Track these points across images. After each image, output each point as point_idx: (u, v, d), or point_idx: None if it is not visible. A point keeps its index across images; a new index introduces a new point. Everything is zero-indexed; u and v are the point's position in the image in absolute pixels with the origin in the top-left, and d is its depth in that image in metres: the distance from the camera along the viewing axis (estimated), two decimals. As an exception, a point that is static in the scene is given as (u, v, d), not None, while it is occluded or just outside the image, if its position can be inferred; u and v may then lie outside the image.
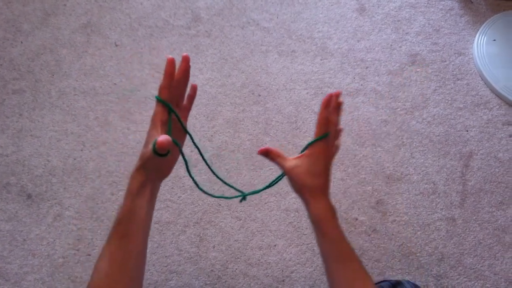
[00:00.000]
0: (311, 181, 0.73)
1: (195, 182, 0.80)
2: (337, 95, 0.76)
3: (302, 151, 0.77)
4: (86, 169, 1.44)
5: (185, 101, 0.80)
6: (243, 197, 0.84)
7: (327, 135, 0.76)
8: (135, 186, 0.69)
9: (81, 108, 1.54)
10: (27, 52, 1.64)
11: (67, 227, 1.36)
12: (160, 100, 0.71)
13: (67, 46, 1.66)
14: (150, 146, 0.67)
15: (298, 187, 0.74)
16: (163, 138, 0.64)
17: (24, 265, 1.31)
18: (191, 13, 1.76)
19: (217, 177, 0.87)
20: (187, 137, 0.80)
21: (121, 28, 1.71)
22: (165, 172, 0.75)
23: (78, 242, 1.34)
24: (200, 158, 0.84)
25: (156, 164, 0.69)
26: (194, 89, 0.82)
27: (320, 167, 0.75)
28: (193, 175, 0.79)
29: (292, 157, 0.76)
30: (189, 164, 0.78)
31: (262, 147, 0.72)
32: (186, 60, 0.74)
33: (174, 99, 0.74)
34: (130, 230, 0.68)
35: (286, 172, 0.75)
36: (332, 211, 0.74)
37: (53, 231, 1.35)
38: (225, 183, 0.88)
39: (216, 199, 1.40)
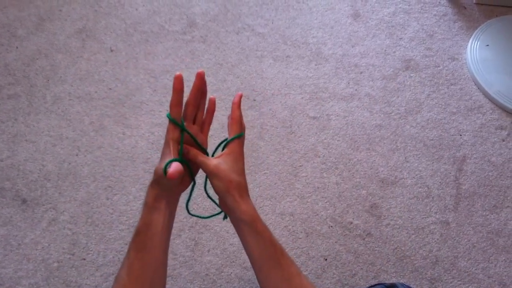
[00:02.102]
0: (237, 178, 0.72)
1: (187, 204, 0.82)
2: (241, 96, 0.77)
3: (222, 149, 0.76)
4: (81, 173, 1.44)
5: (204, 116, 0.79)
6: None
7: (243, 134, 0.76)
8: (151, 199, 0.70)
9: (76, 113, 1.55)
10: (22, 57, 1.65)
11: (62, 232, 1.36)
12: (170, 119, 0.71)
13: (63, 51, 1.67)
14: (162, 167, 0.67)
15: (226, 186, 0.71)
16: (174, 169, 0.63)
17: (18, 269, 1.30)
18: (186, 19, 1.77)
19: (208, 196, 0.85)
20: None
21: (117, 34, 1.72)
22: (181, 187, 0.75)
23: (73, 247, 1.34)
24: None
25: (169, 182, 0.69)
26: (213, 102, 0.80)
27: (241, 166, 0.74)
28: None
29: (213, 157, 0.75)
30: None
31: (174, 172, 0.66)
32: (199, 77, 0.73)
33: (189, 116, 0.74)
34: (147, 243, 0.69)
35: (211, 171, 0.71)
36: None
37: (48, 236, 1.35)
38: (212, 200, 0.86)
39: (211, 203, 1.40)
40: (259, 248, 0.71)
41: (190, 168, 0.75)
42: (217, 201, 0.78)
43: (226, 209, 0.74)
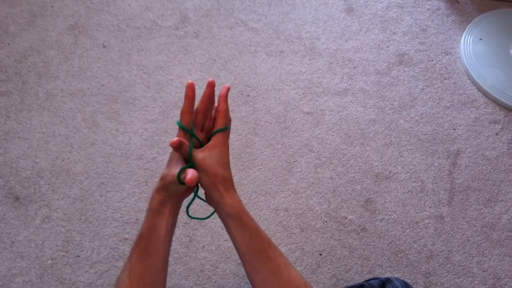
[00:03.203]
0: (222, 172, 0.72)
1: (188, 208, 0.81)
2: (229, 89, 0.77)
3: (207, 140, 0.77)
4: (74, 170, 1.44)
5: (212, 123, 0.79)
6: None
7: (228, 127, 0.76)
8: (156, 205, 0.70)
9: (69, 110, 1.54)
10: (14, 54, 1.63)
11: (56, 229, 1.35)
12: (180, 126, 0.72)
13: (55, 47, 1.66)
14: (175, 173, 0.67)
15: (211, 180, 0.71)
16: (192, 175, 0.63)
17: (12, 267, 1.30)
18: (179, 14, 1.76)
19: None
20: None
21: (109, 30, 1.71)
22: (186, 193, 0.76)
23: (67, 244, 1.33)
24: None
25: (178, 188, 0.69)
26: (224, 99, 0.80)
27: (226, 159, 0.74)
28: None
29: (198, 149, 0.73)
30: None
31: (175, 139, 0.67)
32: (210, 86, 0.74)
33: (199, 124, 0.76)
34: (150, 247, 0.70)
35: (198, 164, 0.71)
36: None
37: (42, 233, 1.34)
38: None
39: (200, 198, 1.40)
40: (245, 241, 0.71)
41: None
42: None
43: (212, 203, 0.74)
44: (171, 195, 0.70)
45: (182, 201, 0.77)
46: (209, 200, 0.75)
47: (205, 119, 0.77)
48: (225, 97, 0.75)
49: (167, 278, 1.29)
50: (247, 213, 0.72)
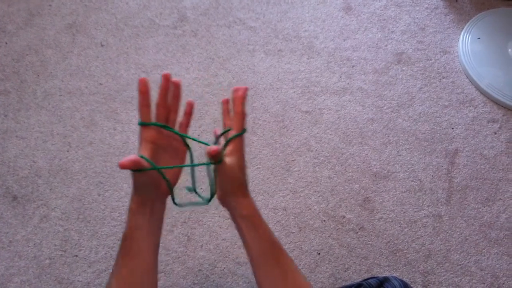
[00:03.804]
0: (241, 176, 0.73)
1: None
2: (247, 90, 0.77)
3: (225, 145, 0.75)
4: (72, 170, 1.43)
5: (182, 118, 0.79)
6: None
7: (246, 130, 0.75)
8: (134, 205, 0.69)
9: (67, 109, 1.53)
10: (11, 52, 1.63)
11: (54, 228, 1.35)
12: (140, 123, 0.70)
13: (52, 46, 1.65)
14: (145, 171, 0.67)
15: (231, 184, 0.72)
16: (126, 158, 0.62)
17: (10, 267, 1.30)
18: (177, 13, 1.76)
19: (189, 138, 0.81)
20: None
21: (107, 28, 1.71)
22: (162, 189, 0.74)
23: (65, 243, 1.33)
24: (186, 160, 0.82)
25: (142, 182, 0.68)
26: (190, 105, 0.80)
27: (243, 163, 0.74)
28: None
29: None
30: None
31: (213, 148, 0.66)
32: (164, 79, 0.73)
33: (160, 117, 0.74)
34: (134, 248, 0.69)
35: (225, 169, 0.71)
36: None
37: (40, 233, 1.34)
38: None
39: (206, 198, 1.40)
40: (257, 244, 0.72)
41: (164, 176, 0.72)
42: (202, 194, 0.78)
43: (227, 205, 0.74)
44: (145, 194, 0.70)
45: (163, 200, 0.76)
46: (224, 203, 0.75)
47: (168, 112, 0.75)
48: (242, 99, 0.74)
49: (166, 277, 1.29)
50: (261, 217, 0.73)
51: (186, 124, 0.79)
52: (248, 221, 0.72)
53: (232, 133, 0.75)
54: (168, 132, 0.73)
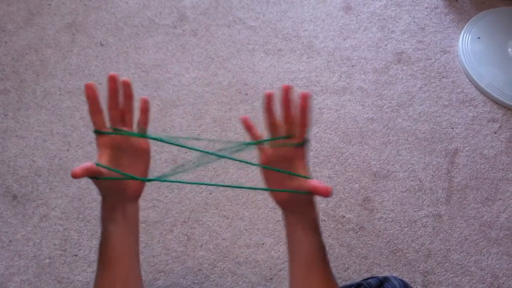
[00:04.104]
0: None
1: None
2: (310, 97, 0.71)
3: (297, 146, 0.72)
4: (72, 169, 1.43)
5: (139, 117, 0.75)
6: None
7: (308, 140, 0.72)
8: (103, 212, 0.69)
9: (67, 108, 1.53)
10: (11, 52, 1.63)
11: (53, 228, 1.35)
12: (96, 132, 0.68)
13: (52, 45, 1.65)
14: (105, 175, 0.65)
15: (309, 196, 0.70)
16: (78, 166, 0.61)
17: (10, 266, 1.30)
18: (176, 12, 1.76)
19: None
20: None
21: (107, 28, 1.70)
22: (129, 192, 0.72)
23: (65, 243, 1.33)
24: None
25: (106, 188, 0.67)
26: (144, 101, 0.75)
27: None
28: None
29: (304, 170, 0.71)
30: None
31: (327, 186, 0.62)
32: (110, 79, 0.69)
33: (114, 119, 0.71)
34: (111, 256, 0.68)
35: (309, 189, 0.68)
36: None
37: (39, 232, 1.34)
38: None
39: (203, 198, 1.40)
40: (312, 247, 0.72)
41: (130, 176, 0.70)
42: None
43: (292, 207, 0.73)
44: (110, 197, 0.69)
45: (133, 202, 0.74)
46: (289, 203, 0.73)
47: (123, 113, 0.72)
48: (306, 109, 0.69)
49: (165, 277, 1.29)
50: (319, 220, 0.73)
51: (144, 121, 0.75)
52: (315, 224, 0.72)
53: (284, 140, 0.73)
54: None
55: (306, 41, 1.72)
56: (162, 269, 1.30)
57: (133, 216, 0.74)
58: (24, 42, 1.65)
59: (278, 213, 1.39)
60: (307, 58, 1.68)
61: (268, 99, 0.73)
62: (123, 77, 1.53)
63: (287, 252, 0.76)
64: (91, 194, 1.40)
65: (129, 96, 0.72)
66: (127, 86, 0.72)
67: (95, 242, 1.33)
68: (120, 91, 0.71)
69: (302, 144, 0.70)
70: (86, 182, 1.41)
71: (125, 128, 0.72)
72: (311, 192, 0.65)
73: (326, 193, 0.61)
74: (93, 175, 0.62)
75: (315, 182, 0.64)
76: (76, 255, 1.31)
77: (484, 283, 1.34)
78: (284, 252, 1.34)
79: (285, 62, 1.67)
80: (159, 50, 1.67)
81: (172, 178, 0.71)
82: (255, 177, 1.45)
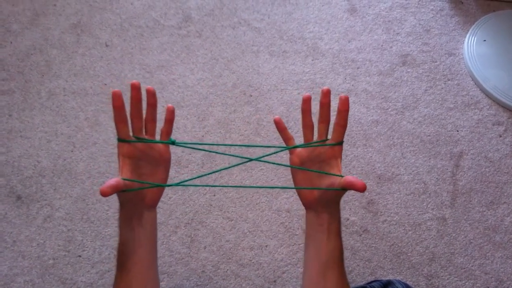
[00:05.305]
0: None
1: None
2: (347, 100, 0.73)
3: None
4: (76, 170, 1.43)
5: (163, 126, 0.75)
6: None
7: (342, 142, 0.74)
8: (121, 220, 0.69)
9: (71, 109, 1.53)
10: (16, 52, 1.63)
11: (57, 229, 1.35)
12: (119, 140, 0.68)
13: (57, 46, 1.65)
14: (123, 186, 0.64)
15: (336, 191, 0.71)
16: (105, 184, 0.59)
17: (14, 266, 1.30)
18: (181, 13, 1.76)
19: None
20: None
21: (112, 28, 1.71)
22: (147, 201, 0.72)
23: (69, 244, 1.33)
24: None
25: (126, 198, 0.67)
26: (170, 111, 0.75)
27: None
28: None
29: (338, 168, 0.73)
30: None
31: (363, 182, 0.63)
32: (133, 88, 0.68)
33: (137, 129, 0.70)
34: (128, 262, 0.69)
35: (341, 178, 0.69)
36: None
37: (43, 233, 1.34)
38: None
39: (207, 200, 1.40)
40: (333, 248, 0.72)
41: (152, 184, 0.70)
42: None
43: (320, 206, 0.73)
44: (128, 206, 0.69)
45: (150, 209, 0.74)
46: (318, 203, 0.74)
47: (146, 123, 0.72)
48: (344, 111, 0.71)
49: (169, 279, 1.30)
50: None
51: (167, 132, 0.75)
52: (339, 226, 0.73)
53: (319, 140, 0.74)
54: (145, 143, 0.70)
55: (311, 43, 1.72)
56: (165, 270, 1.30)
57: (150, 224, 0.74)
58: (29, 42, 1.65)
59: (282, 216, 1.39)
60: (312, 60, 1.68)
61: (306, 102, 0.75)
62: (128, 78, 1.54)
63: (305, 252, 0.77)
64: (95, 195, 1.40)
65: (152, 105, 0.72)
66: (151, 95, 0.71)
67: (99, 243, 1.33)
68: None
69: (340, 143, 0.73)
70: (90, 183, 1.41)
71: (147, 137, 0.72)
72: (346, 188, 0.66)
73: (362, 188, 0.62)
74: (120, 190, 0.62)
75: (351, 178, 0.64)
76: (80, 256, 1.31)
77: (488, 287, 1.33)
78: (288, 254, 1.34)
79: (290, 63, 1.67)
80: (163, 51, 1.67)
81: (196, 182, 0.72)
82: (259, 178, 1.45)
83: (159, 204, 1.36)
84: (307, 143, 0.75)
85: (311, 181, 0.74)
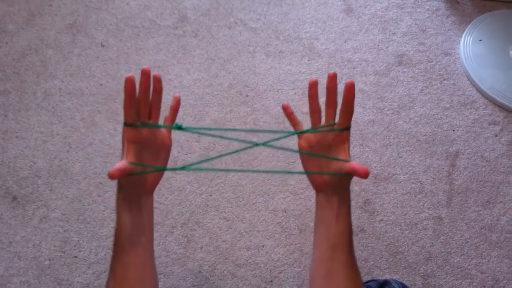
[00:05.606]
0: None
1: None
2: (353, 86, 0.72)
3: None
4: (72, 170, 1.43)
5: (167, 113, 0.78)
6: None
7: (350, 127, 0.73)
8: (119, 202, 0.69)
9: (67, 109, 1.53)
10: (12, 52, 1.63)
11: (53, 229, 1.35)
12: (125, 124, 0.68)
13: (53, 46, 1.65)
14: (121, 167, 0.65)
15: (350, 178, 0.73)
16: (114, 168, 0.60)
17: (9, 267, 1.29)
18: (177, 13, 1.75)
19: None
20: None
21: (107, 29, 1.70)
22: (148, 186, 0.73)
23: (65, 244, 1.33)
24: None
25: (128, 182, 0.68)
26: (177, 100, 0.78)
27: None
28: None
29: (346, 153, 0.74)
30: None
31: (366, 168, 0.64)
32: (143, 74, 0.68)
33: (142, 113, 0.71)
34: (124, 245, 0.69)
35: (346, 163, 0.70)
36: None
37: (39, 233, 1.34)
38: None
39: (203, 200, 1.40)
40: (341, 230, 0.72)
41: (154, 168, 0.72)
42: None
43: (332, 192, 0.74)
44: (128, 190, 0.69)
45: (148, 194, 0.75)
46: (329, 186, 0.74)
47: (150, 108, 0.73)
48: (351, 96, 0.70)
49: (165, 279, 1.29)
50: None
51: (171, 119, 0.78)
52: (348, 208, 0.74)
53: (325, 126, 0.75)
54: (149, 129, 0.71)
55: (307, 43, 1.72)
56: (162, 271, 1.30)
57: (147, 208, 0.75)
58: (24, 42, 1.65)
59: (278, 216, 1.39)
60: (308, 60, 1.68)
61: (313, 86, 0.76)
62: (123, 78, 1.53)
63: (314, 233, 0.78)
64: (91, 195, 1.40)
65: (158, 91, 0.73)
66: (157, 81, 0.72)
67: (95, 244, 1.33)
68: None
69: (347, 128, 0.72)
70: (86, 184, 1.41)
71: (150, 122, 0.73)
72: (351, 174, 0.67)
73: (364, 175, 0.63)
74: (127, 174, 0.63)
75: (355, 163, 0.65)
76: (76, 257, 1.31)
77: (484, 286, 1.34)
78: (284, 254, 1.34)
79: (286, 64, 1.67)
80: (159, 51, 1.67)
81: (202, 166, 0.72)
82: (255, 178, 1.44)
83: (155, 205, 1.36)
84: (315, 127, 0.75)
85: (320, 164, 0.75)
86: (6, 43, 1.65)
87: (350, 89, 0.69)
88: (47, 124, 1.50)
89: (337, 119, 0.73)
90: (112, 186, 1.41)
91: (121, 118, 1.52)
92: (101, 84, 1.58)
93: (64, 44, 1.66)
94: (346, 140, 0.73)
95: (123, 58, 1.64)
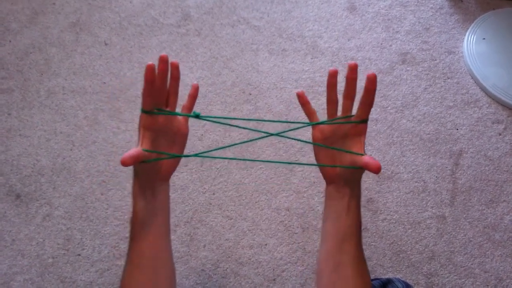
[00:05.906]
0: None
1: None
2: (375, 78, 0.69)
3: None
4: (75, 168, 1.43)
5: (185, 101, 0.78)
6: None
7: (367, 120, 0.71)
8: (135, 189, 0.70)
9: (70, 107, 1.53)
10: (15, 51, 1.63)
11: (57, 227, 1.35)
12: (142, 111, 0.68)
13: (56, 45, 1.65)
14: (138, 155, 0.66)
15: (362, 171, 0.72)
16: (126, 154, 0.60)
17: (13, 265, 1.30)
18: (181, 12, 1.75)
19: None
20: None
21: (111, 27, 1.70)
22: (162, 172, 0.73)
23: (68, 242, 1.33)
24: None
25: (143, 169, 0.68)
26: (196, 88, 0.79)
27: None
28: None
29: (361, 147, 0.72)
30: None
31: (378, 163, 0.63)
32: (161, 60, 0.69)
33: (159, 101, 0.71)
34: (140, 232, 0.70)
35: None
36: None
37: (42, 231, 1.34)
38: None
39: (206, 199, 1.40)
40: (351, 222, 0.72)
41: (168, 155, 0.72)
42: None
43: (344, 184, 0.73)
44: (143, 177, 0.69)
45: (163, 181, 0.75)
46: (340, 177, 0.73)
47: (168, 96, 0.74)
48: (372, 88, 0.68)
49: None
50: None
51: (189, 107, 0.78)
52: (359, 201, 0.73)
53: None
54: (166, 116, 0.71)
55: (310, 41, 1.72)
56: (165, 269, 1.30)
57: (163, 195, 0.75)
58: (28, 41, 1.65)
59: (281, 214, 1.39)
60: (311, 58, 1.68)
61: (332, 76, 0.74)
62: (127, 76, 1.54)
63: (322, 225, 0.77)
64: (94, 193, 1.40)
65: (175, 78, 0.74)
66: (175, 68, 0.73)
67: (98, 242, 1.33)
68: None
69: (365, 121, 0.71)
70: (89, 182, 1.41)
71: (168, 110, 0.73)
72: (363, 168, 0.65)
73: (377, 169, 0.61)
74: (141, 161, 0.63)
75: (368, 158, 0.64)
76: (79, 255, 1.31)
77: (488, 285, 1.33)
78: (287, 253, 1.34)
79: (289, 62, 1.67)
80: (163, 49, 1.67)
81: (213, 155, 0.72)
82: (258, 177, 1.44)
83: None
84: (331, 119, 0.74)
85: (333, 156, 0.74)
86: (10, 41, 1.65)
87: (373, 81, 0.67)
88: (50, 122, 1.50)
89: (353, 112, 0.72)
90: (115, 184, 1.41)
91: (124, 116, 1.53)
92: (105, 83, 1.58)
93: (67, 42, 1.66)
94: (363, 133, 0.72)
95: (126, 56, 1.64)
